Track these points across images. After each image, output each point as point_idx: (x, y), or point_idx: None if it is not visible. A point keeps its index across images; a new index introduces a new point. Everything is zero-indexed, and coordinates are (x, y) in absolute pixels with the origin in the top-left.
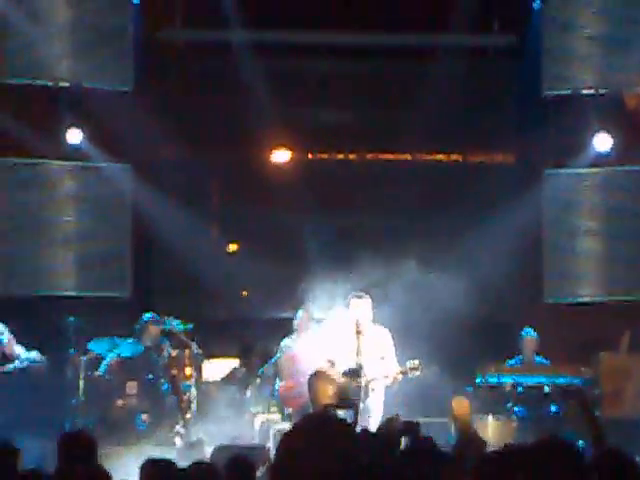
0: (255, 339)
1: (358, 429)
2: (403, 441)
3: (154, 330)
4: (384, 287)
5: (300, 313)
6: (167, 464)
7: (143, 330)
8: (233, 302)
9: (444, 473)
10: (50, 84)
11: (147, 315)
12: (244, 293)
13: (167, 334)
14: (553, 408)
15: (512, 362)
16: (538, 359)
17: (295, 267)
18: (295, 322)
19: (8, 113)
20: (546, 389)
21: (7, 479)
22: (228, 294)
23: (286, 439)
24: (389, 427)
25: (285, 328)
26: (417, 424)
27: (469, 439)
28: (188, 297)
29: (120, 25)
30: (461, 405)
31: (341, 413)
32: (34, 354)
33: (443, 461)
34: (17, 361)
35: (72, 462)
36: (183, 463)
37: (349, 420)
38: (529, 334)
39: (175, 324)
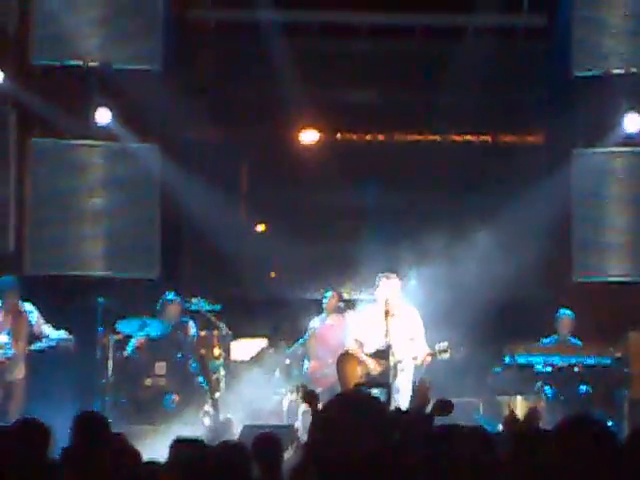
0: (284, 319)
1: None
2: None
3: (174, 309)
4: (415, 268)
5: (329, 294)
6: (196, 443)
7: (163, 309)
8: (262, 283)
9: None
10: (79, 64)
11: (168, 294)
12: (272, 274)
13: (192, 313)
14: (583, 388)
15: (547, 341)
16: (572, 339)
17: (324, 248)
18: (324, 302)
19: (38, 93)
20: (581, 369)
21: (39, 459)
22: (257, 275)
23: (320, 416)
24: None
25: (314, 309)
26: (451, 403)
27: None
28: (217, 278)
29: (150, 4)
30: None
31: (374, 391)
32: (62, 333)
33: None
34: (45, 340)
35: (88, 442)
36: (212, 443)
37: (382, 398)
38: (566, 314)
39: (203, 305)
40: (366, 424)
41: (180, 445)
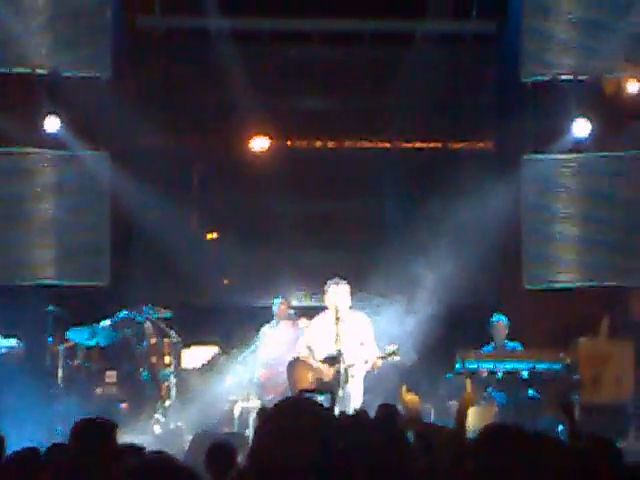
0: (235, 327)
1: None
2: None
3: (127, 330)
4: (364, 274)
5: (278, 300)
6: (136, 450)
7: (116, 327)
8: (213, 290)
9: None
10: (28, 71)
11: (121, 314)
12: (225, 281)
13: (143, 324)
14: (531, 393)
15: (487, 348)
16: (510, 344)
17: (274, 255)
18: (274, 310)
19: None
20: (524, 374)
21: None
22: (208, 282)
23: (263, 423)
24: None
25: (265, 316)
26: (395, 407)
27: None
28: (168, 285)
29: (99, 12)
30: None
31: (318, 397)
32: (11, 341)
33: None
34: None
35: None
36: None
37: (326, 405)
38: (499, 319)
39: (153, 312)
40: (307, 431)
41: (121, 451)
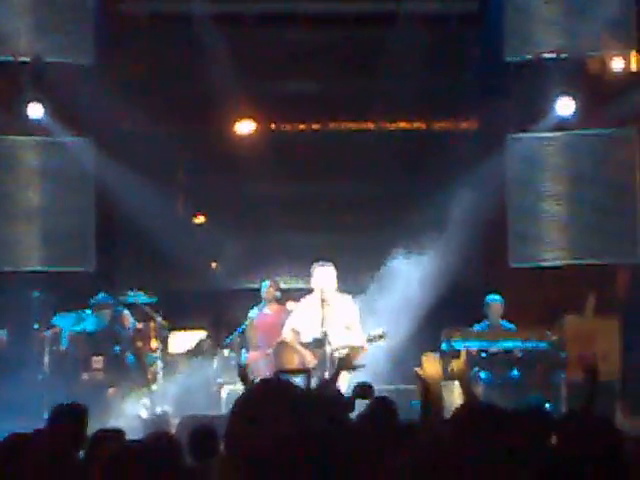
0: (222, 310)
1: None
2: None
3: (105, 312)
4: (353, 256)
5: (266, 283)
6: (117, 433)
7: (95, 310)
8: (200, 274)
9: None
10: (10, 59)
11: (98, 296)
12: (213, 265)
13: (128, 306)
14: (519, 373)
15: (479, 327)
16: (504, 324)
17: (261, 238)
18: (262, 292)
19: None
20: (518, 353)
21: None
22: (195, 266)
23: (238, 406)
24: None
25: (253, 299)
26: (370, 387)
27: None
28: (154, 270)
29: None
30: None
31: (294, 379)
32: None
33: (401, 427)
34: None
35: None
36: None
37: (302, 385)
38: (495, 299)
39: (139, 297)
40: (281, 412)
41: (101, 435)
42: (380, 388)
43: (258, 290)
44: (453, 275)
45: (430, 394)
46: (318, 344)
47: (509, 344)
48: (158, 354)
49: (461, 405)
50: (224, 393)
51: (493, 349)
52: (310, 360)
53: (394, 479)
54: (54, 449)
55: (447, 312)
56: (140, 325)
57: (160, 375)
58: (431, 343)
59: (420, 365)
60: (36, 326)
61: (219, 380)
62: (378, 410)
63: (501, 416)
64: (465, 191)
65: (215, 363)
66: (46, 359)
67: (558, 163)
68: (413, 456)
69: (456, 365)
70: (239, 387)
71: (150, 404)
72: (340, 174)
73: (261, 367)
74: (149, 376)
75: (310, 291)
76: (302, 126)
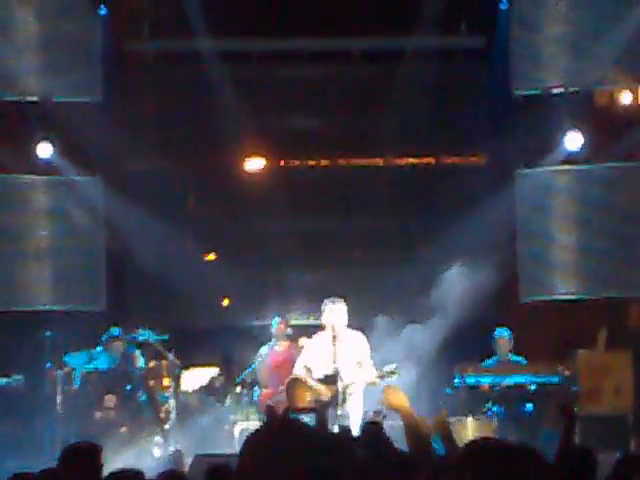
0: (233, 347)
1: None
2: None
3: (119, 344)
4: (365, 293)
5: (277, 320)
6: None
7: (108, 344)
8: (211, 311)
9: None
10: (19, 98)
11: (112, 330)
12: (224, 302)
13: (139, 344)
14: (530, 407)
15: (489, 362)
16: (514, 358)
17: (271, 274)
18: (272, 329)
19: None
20: (530, 387)
21: None
22: (205, 303)
23: (248, 444)
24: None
25: (263, 335)
26: (378, 425)
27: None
28: (165, 308)
29: (87, 37)
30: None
31: (303, 417)
32: (11, 379)
33: (406, 463)
34: None
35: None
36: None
37: (312, 424)
38: (501, 334)
39: (150, 335)
40: (290, 451)
41: (120, 475)
42: (392, 424)
43: (269, 327)
44: (465, 310)
45: (407, 426)
46: (330, 380)
47: (521, 378)
48: (170, 392)
49: (470, 442)
50: (237, 431)
51: (505, 383)
52: (325, 394)
53: None
54: None
55: (460, 347)
56: (152, 363)
57: (173, 413)
58: (444, 378)
59: (384, 398)
60: (48, 365)
61: (232, 417)
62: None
63: (508, 452)
64: (476, 226)
65: (228, 401)
66: (59, 398)
67: (567, 197)
68: None
69: (436, 419)
70: (252, 424)
71: (163, 442)
72: (350, 209)
73: (274, 404)
74: (162, 415)
75: (321, 327)
76: (311, 162)
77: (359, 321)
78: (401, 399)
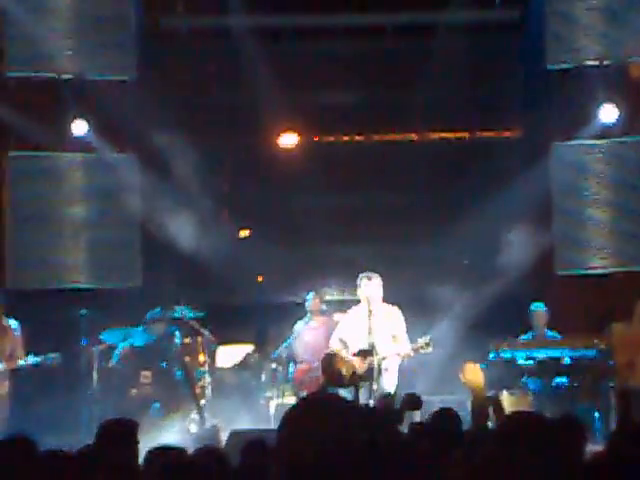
0: (268, 324)
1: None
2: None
3: (161, 325)
4: (395, 265)
5: (311, 295)
6: (171, 450)
7: (150, 324)
8: (246, 288)
9: (454, 451)
10: (54, 76)
11: (154, 311)
12: (259, 278)
13: (175, 321)
14: (566, 381)
15: (525, 337)
16: (550, 333)
17: (306, 250)
18: (307, 305)
19: (12, 107)
20: (565, 361)
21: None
22: (240, 280)
23: (285, 421)
24: (385, 403)
25: (298, 311)
26: (419, 398)
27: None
28: (200, 285)
29: (122, 14)
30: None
31: (341, 391)
32: (49, 356)
33: (452, 438)
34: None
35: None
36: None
37: (349, 398)
38: (538, 308)
39: (186, 312)
40: (329, 426)
41: (155, 453)
42: (427, 399)
43: (303, 303)
44: (501, 284)
45: (474, 402)
46: (366, 354)
47: (557, 352)
48: (206, 369)
49: (509, 415)
50: (272, 407)
51: (541, 357)
52: (361, 367)
53: None
54: (105, 464)
55: (495, 321)
56: (187, 340)
57: (208, 390)
58: (479, 353)
59: (462, 373)
60: (85, 342)
61: (267, 394)
62: (442, 421)
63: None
64: (511, 200)
65: (263, 377)
66: (95, 375)
67: (602, 170)
68: (462, 467)
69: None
70: (287, 400)
71: (199, 419)
72: (384, 185)
73: (309, 380)
74: (197, 391)
75: (356, 302)
76: (345, 138)
77: (395, 296)
78: (478, 377)
